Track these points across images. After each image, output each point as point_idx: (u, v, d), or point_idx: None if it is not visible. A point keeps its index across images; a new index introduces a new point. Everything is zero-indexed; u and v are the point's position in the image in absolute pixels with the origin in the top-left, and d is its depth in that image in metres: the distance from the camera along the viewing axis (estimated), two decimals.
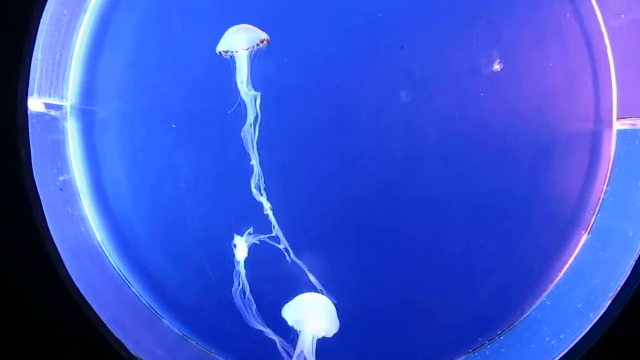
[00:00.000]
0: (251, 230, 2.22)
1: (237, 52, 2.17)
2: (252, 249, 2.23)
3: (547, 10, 2.20)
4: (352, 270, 2.25)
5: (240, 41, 2.16)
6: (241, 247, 2.22)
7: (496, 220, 2.27)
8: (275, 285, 2.27)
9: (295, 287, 2.22)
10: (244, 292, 2.20)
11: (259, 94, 2.18)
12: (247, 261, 2.23)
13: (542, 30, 2.21)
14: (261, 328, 2.18)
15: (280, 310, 2.18)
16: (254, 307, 2.20)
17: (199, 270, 2.32)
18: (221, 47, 2.18)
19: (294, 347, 2.12)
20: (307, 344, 2.09)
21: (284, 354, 2.15)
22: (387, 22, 2.23)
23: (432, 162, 2.25)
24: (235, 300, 2.20)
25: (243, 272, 2.22)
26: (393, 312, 2.26)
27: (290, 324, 2.13)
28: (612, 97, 2.20)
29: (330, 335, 2.13)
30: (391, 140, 2.25)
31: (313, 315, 2.13)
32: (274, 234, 2.22)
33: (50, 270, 1.80)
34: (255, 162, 2.20)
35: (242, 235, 2.22)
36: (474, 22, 2.21)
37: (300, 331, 2.12)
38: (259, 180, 2.21)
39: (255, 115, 2.19)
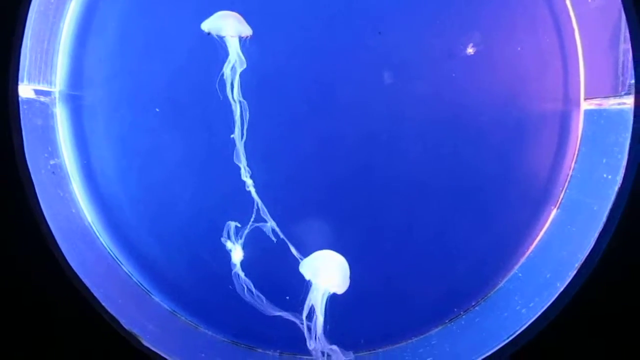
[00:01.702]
0: (238, 224, 2.30)
1: (224, 36, 2.22)
2: (238, 234, 2.31)
3: None
4: (334, 248, 2.30)
5: (229, 28, 2.21)
6: (236, 250, 2.28)
7: (471, 197, 2.37)
8: (270, 266, 2.34)
9: (284, 263, 2.29)
10: (250, 290, 2.27)
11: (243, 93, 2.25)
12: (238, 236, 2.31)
13: (514, 14, 2.29)
14: (278, 313, 2.24)
15: (281, 291, 2.27)
16: (264, 298, 2.27)
17: (186, 249, 2.39)
18: (210, 27, 2.23)
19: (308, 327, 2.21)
20: (318, 298, 2.18)
21: (302, 327, 2.22)
22: (364, 9, 2.30)
23: (409, 142, 2.34)
24: (245, 299, 2.26)
25: (242, 274, 2.28)
26: (374, 285, 2.34)
27: (307, 277, 2.20)
28: (579, 79, 2.29)
29: (339, 291, 2.20)
30: (368, 122, 2.34)
31: (327, 270, 2.20)
32: (253, 219, 2.28)
33: (44, 250, 1.87)
34: (239, 144, 2.27)
35: (230, 225, 2.29)
36: (448, 8, 2.28)
37: (312, 285, 2.20)
38: (243, 160, 2.27)
39: (239, 99, 2.25)
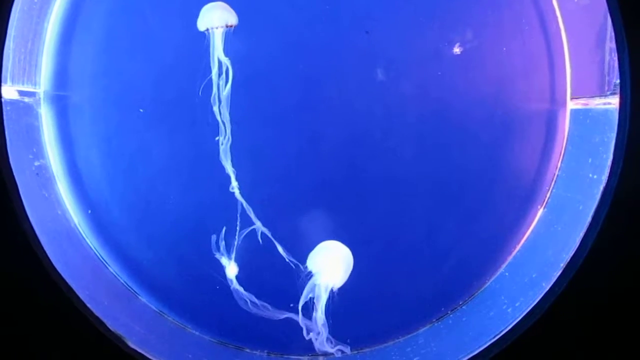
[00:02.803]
0: (226, 227, 2.29)
1: (215, 28, 2.21)
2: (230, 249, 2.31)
3: None
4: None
5: (218, 18, 2.20)
6: (230, 266, 2.28)
7: (458, 196, 2.37)
8: (263, 267, 2.34)
9: (276, 263, 2.29)
10: (252, 301, 2.26)
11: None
12: (228, 247, 2.31)
13: (500, 14, 2.30)
14: (286, 316, 2.24)
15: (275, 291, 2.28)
16: (269, 306, 2.26)
17: (173, 249, 2.38)
18: (202, 23, 2.22)
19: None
20: (322, 291, 2.19)
21: (302, 324, 2.23)
22: (351, 9, 2.30)
23: (396, 141, 2.34)
24: (251, 310, 2.26)
25: (241, 288, 2.27)
26: (360, 284, 2.33)
27: (314, 272, 2.21)
28: (566, 78, 2.30)
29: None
30: (355, 121, 2.34)
31: (331, 264, 2.22)
32: (239, 227, 2.28)
33: (29, 252, 1.85)
34: (223, 149, 2.26)
35: (220, 239, 2.29)
36: (435, 7, 2.29)
37: (315, 278, 2.21)
38: (228, 165, 2.27)
39: (226, 98, 2.25)
